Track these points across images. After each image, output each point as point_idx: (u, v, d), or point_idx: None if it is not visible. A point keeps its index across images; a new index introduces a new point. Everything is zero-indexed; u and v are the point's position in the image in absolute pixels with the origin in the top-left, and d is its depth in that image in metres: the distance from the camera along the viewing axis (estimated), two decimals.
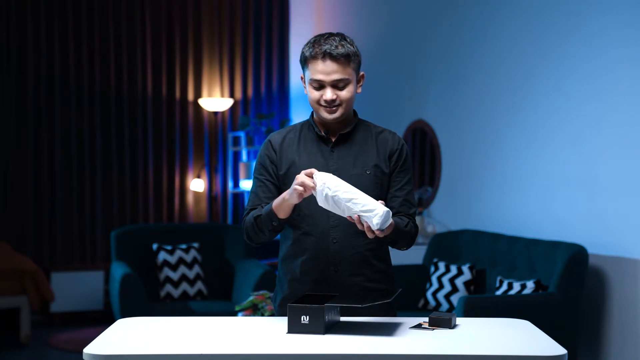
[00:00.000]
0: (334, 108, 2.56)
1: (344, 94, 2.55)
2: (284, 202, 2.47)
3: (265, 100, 8.04)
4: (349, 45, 2.55)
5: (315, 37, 2.58)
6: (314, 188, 2.38)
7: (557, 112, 5.03)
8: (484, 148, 5.73)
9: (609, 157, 4.62)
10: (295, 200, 2.43)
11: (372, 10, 7.33)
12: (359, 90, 2.63)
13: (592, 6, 4.76)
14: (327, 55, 2.51)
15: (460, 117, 6.01)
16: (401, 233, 2.55)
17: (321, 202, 2.40)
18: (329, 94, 2.54)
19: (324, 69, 2.52)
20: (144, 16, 7.58)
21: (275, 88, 8.06)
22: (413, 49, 6.62)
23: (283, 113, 8.08)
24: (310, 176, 2.41)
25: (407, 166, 2.66)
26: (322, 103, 2.56)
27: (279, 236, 2.71)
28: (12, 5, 7.15)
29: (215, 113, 7.76)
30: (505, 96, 5.53)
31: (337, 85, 2.54)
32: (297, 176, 2.41)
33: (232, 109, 7.90)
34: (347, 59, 2.53)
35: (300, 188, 2.39)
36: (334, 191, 2.37)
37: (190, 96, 7.77)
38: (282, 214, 2.50)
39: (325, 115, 2.57)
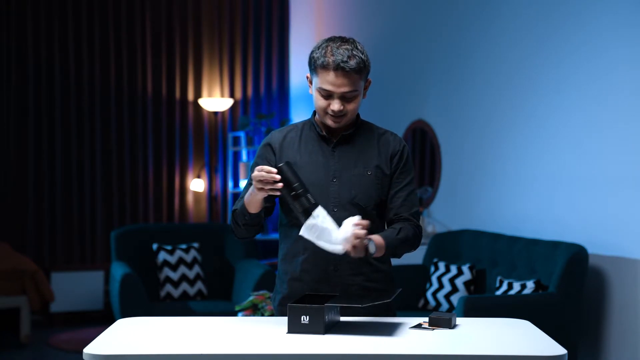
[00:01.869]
0: (339, 118, 2.56)
1: (351, 105, 2.54)
2: (252, 196, 2.47)
3: (265, 100, 8.04)
4: (360, 55, 2.51)
5: (327, 41, 2.54)
6: (273, 181, 2.36)
7: (557, 112, 5.03)
8: (483, 148, 5.73)
9: (609, 157, 4.62)
10: (259, 195, 2.43)
11: (372, 11, 7.33)
12: (364, 96, 2.61)
13: (591, 6, 4.76)
14: (339, 69, 2.48)
15: (460, 117, 6.01)
16: (395, 245, 2.53)
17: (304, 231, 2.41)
18: (336, 105, 2.52)
19: (334, 81, 2.49)
20: (144, 16, 7.58)
21: (275, 88, 8.06)
22: (413, 49, 6.62)
23: (283, 113, 8.08)
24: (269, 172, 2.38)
25: (409, 167, 2.66)
26: (329, 112, 2.55)
27: (277, 236, 2.71)
28: (12, 5, 7.15)
29: (215, 113, 7.76)
30: (505, 96, 5.53)
31: (345, 96, 2.52)
32: (253, 175, 2.40)
33: (232, 109, 7.90)
34: (359, 73, 2.50)
35: (260, 186, 2.38)
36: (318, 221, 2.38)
37: (190, 96, 7.77)
38: (252, 209, 2.50)
39: (330, 123, 2.57)
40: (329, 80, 2.49)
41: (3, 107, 7.13)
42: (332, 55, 2.48)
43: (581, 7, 4.85)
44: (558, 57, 5.02)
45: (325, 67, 2.49)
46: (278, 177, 2.37)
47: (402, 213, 2.62)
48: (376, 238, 2.47)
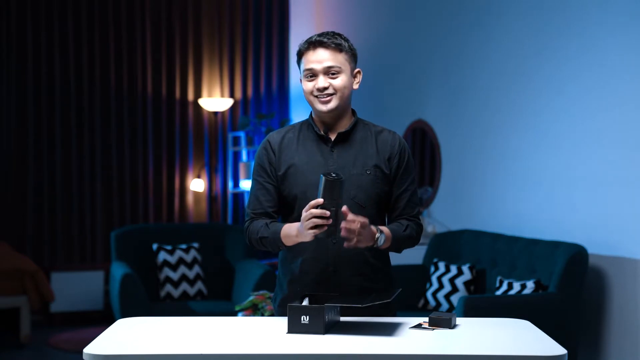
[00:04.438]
0: (328, 98, 2.58)
1: (337, 82, 2.58)
2: (294, 238, 2.48)
3: (265, 100, 8.04)
4: (341, 39, 2.61)
5: (310, 36, 2.65)
6: (328, 218, 2.34)
7: (557, 112, 5.03)
8: (484, 148, 5.73)
9: (609, 157, 4.62)
10: (308, 239, 2.42)
11: (372, 10, 7.33)
12: (356, 86, 2.65)
13: (593, 7, 4.76)
14: (318, 44, 2.58)
15: (460, 117, 6.01)
16: (400, 241, 2.59)
17: None
18: (321, 81, 2.57)
19: (315, 57, 2.57)
20: (144, 16, 7.58)
21: (275, 88, 8.06)
22: (413, 49, 6.62)
23: (283, 113, 8.08)
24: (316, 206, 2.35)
25: (410, 167, 2.68)
26: (315, 93, 2.58)
27: None
28: (12, 6, 7.15)
29: (215, 113, 7.76)
30: (505, 96, 5.52)
31: (328, 72, 2.57)
32: (305, 217, 2.35)
33: (232, 109, 7.90)
34: (339, 48, 2.58)
35: (315, 232, 2.36)
36: None
37: (190, 96, 7.77)
38: (289, 244, 2.53)
39: (320, 106, 2.59)
40: (310, 58, 2.58)
41: (3, 106, 7.13)
42: (311, 38, 2.61)
43: (583, 8, 4.85)
44: (558, 58, 5.02)
45: (307, 48, 2.59)
46: (327, 212, 2.34)
47: (405, 214, 2.66)
48: (385, 230, 2.52)
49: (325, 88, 2.57)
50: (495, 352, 2.15)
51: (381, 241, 2.48)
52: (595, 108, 4.73)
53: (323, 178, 2.32)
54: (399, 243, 2.59)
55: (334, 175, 2.33)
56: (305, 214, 2.37)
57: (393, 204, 2.65)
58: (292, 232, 2.48)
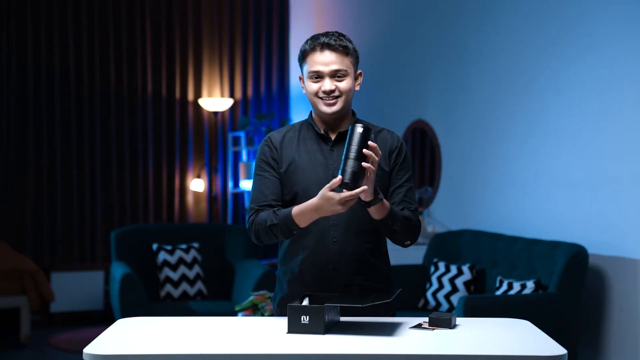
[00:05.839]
0: (333, 100, 2.57)
1: (343, 85, 2.57)
2: (313, 214, 2.44)
3: (265, 100, 8.04)
4: (347, 41, 2.60)
5: (313, 35, 2.63)
6: (354, 196, 2.35)
7: (557, 112, 5.03)
8: (484, 148, 5.73)
9: (609, 157, 4.62)
10: (342, 211, 2.41)
11: (372, 10, 7.33)
12: (357, 88, 2.65)
13: (592, 8, 4.77)
14: (326, 46, 2.56)
15: (460, 117, 6.01)
16: (396, 215, 2.51)
17: None
18: (327, 84, 2.56)
19: (323, 60, 2.55)
20: (144, 16, 7.58)
21: (275, 88, 8.06)
22: (413, 49, 6.62)
23: (283, 113, 8.08)
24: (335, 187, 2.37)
25: (407, 164, 2.67)
26: (321, 95, 2.57)
27: None
28: (13, 5, 7.15)
29: (215, 113, 7.77)
30: (506, 96, 5.53)
31: (335, 75, 2.56)
32: (341, 201, 2.36)
33: (232, 109, 7.90)
34: (345, 51, 2.57)
35: (345, 207, 2.37)
36: None
37: (190, 96, 7.77)
38: (305, 224, 2.48)
39: (325, 108, 2.58)
40: (317, 60, 2.56)
41: (3, 107, 7.13)
42: (318, 39, 2.58)
43: (584, 10, 4.85)
44: (559, 58, 5.02)
45: (313, 49, 2.58)
46: (359, 190, 2.35)
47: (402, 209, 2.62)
48: (385, 200, 2.48)
49: (332, 91, 2.56)
50: (495, 352, 2.15)
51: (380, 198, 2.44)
52: (596, 108, 4.73)
53: (357, 129, 2.33)
54: (395, 217, 2.50)
55: (362, 126, 2.35)
56: (338, 197, 2.35)
57: (389, 198, 2.62)
58: (309, 207, 2.43)
